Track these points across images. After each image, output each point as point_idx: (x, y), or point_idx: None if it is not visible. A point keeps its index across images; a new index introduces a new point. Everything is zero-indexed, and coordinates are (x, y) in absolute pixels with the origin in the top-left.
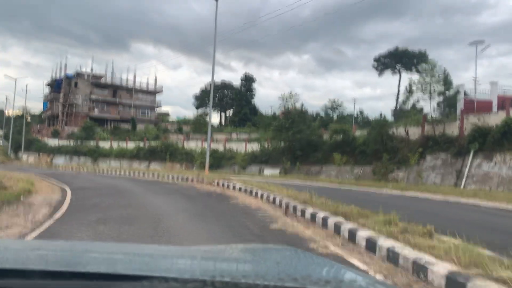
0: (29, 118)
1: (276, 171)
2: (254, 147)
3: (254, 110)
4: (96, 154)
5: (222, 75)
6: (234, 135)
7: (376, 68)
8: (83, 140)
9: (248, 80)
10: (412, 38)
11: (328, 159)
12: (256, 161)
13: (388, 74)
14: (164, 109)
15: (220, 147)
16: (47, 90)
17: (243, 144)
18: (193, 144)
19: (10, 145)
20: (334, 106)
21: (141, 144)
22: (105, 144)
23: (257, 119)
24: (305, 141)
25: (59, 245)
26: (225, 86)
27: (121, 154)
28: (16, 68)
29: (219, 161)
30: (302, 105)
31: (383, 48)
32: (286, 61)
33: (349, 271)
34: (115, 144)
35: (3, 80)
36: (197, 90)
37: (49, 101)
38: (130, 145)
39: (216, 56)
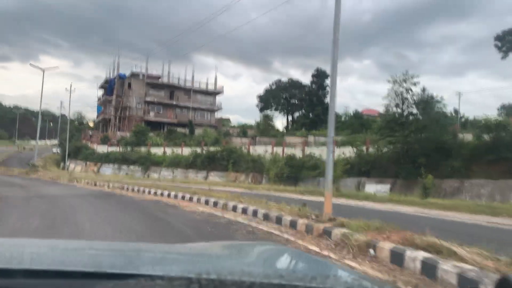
0: (90, 124)
1: (384, 187)
2: (342, 153)
3: (328, 110)
4: (148, 162)
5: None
6: (311, 138)
7: (500, 49)
8: (134, 147)
9: (320, 76)
10: (480, 40)
11: (470, 169)
12: (352, 173)
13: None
14: (223, 116)
15: (296, 153)
16: (101, 93)
17: (322, 150)
18: (260, 150)
19: (63, 153)
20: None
21: (198, 150)
22: (158, 151)
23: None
24: (432, 142)
25: (43, 244)
26: (293, 84)
27: (175, 162)
28: (87, 81)
29: (298, 171)
30: (424, 90)
31: (449, 52)
32: (346, 67)
33: (335, 267)
34: (168, 151)
35: (79, 93)
36: (254, 99)
37: (102, 105)
38: (186, 151)
39: (274, 64)
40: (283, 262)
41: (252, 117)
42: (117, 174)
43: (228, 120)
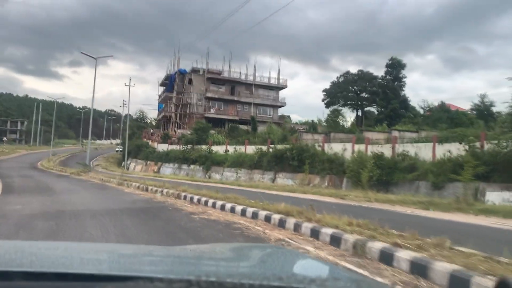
0: (150, 121)
1: None
2: (448, 151)
3: (405, 104)
4: (209, 162)
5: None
6: (395, 133)
7: None
8: (194, 144)
9: (395, 66)
10: None
11: None
12: None
13: None
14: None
15: (383, 151)
16: (162, 90)
17: (419, 147)
18: (337, 147)
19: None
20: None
21: (264, 148)
22: (219, 149)
23: (415, 114)
24: None
25: (42, 246)
26: (363, 76)
27: (239, 162)
28: (152, 84)
29: (390, 173)
30: None
31: None
32: (407, 62)
33: (334, 269)
34: (231, 149)
35: (143, 95)
36: (312, 97)
37: (163, 103)
38: (250, 149)
39: (332, 61)
40: (282, 264)
41: (310, 116)
42: (177, 174)
43: (288, 117)
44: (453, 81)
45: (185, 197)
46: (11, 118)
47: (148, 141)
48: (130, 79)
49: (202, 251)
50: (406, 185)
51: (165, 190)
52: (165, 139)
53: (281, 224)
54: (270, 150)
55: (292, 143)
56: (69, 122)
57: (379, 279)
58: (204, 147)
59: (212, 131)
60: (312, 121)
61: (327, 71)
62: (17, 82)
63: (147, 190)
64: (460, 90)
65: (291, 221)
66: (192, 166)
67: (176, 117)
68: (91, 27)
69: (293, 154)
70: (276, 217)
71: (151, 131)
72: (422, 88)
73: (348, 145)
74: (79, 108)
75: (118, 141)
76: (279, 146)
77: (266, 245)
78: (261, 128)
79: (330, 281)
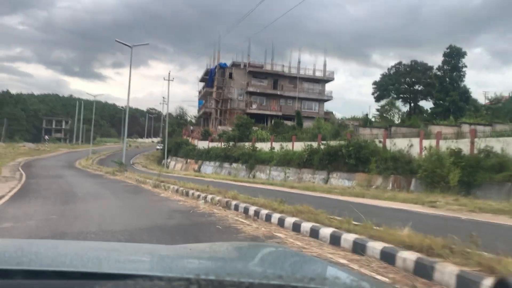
0: (190, 118)
1: None
2: None
3: (466, 96)
4: (252, 160)
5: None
6: (465, 128)
7: None
8: (236, 141)
9: (453, 55)
10: None
11: None
12: None
13: None
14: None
15: (461, 147)
16: (202, 86)
17: (508, 142)
18: (402, 143)
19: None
20: None
21: (314, 145)
22: (263, 146)
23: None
24: None
25: (42, 244)
26: (416, 67)
27: (286, 160)
28: (191, 84)
29: (472, 174)
30: None
31: None
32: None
33: (333, 268)
34: (276, 146)
35: (183, 94)
36: (353, 94)
37: (203, 99)
38: (297, 146)
39: (373, 57)
40: (282, 263)
41: (351, 113)
42: (218, 173)
43: (332, 113)
44: (502, 75)
45: (236, 207)
46: (56, 117)
47: (188, 138)
48: (169, 73)
49: (202, 250)
50: (494, 187)
51: (209, 196)
52: (206, 136)
53: (426, 274)
54: (322, 147)
55: (347, 138)
56: (112, 120)
57: None
58: (247, 144)
59: (254, 127)
60: (366, 115)
61: (368, 66)
62: (64, 84)
63: (187, 194)
64: (510, 84)
65: (445, 269)
66: (234, 165)
67: (216, 113)
68: (132, 29)
69: (349, 151)
70: (410, 257)
71: (191, 128)
72: (469, 83)
73: (415, 141)
74: (121, 107)
75: (159, 139)
76: (332, 143)
77: (265, 244)
78: (306, 124)
79: (330, 279)
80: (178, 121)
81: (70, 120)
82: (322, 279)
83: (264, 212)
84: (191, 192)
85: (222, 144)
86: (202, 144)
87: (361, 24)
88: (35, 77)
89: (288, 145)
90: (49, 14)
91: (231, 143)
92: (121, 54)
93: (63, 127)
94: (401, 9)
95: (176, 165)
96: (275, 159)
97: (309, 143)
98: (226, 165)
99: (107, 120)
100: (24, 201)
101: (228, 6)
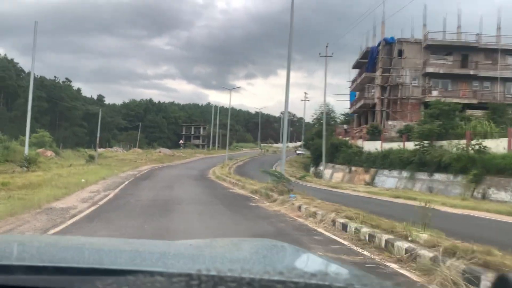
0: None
1: None
2: None
3: None
4: (478, 168)
5: None
6: None
7: None
8: (434, 140)
9: None
10: None
11: None
12: None
13: None
14: None
15: None
16: (353, 76)
17: None
18: None
19: (313, 155)
20: None
21: None
22: (492, 145)
23: None
24: None
25: (43, 240)
26: None
27: None
28: (318, 89)
29: None
30: None
31: None
32: None
33: (334, 264)
34: (501, 144)
35: (313, 101)
36: None
37: (357, 90)
38: None
39: None
40: (283, 258)
41: None
42: (409, 188)
43: None
44: None
45: None
46: (195, 124)
47: (345, 138)
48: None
49: (203, 246)
50: None
51: None
52: (373, 134)
53: None
54: None
55: None
56: (246, 125)
57: None
58: (454, 142)
59: (459, 118)
60: None
61: None
62: (203, 96)
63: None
64: None
65: None
66: (438, 176)
67: (382, 104)
68: (262, 41)
69: None
70: None
71: (344, 127)
72: None
73: None
74: (256, 110)
75: (300, 143)
76: None
77: (266, 240)
78: None
79: (331, 275)
80: (320, 121)
81: (207, 126)
82: (323, 275)
83: None
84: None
85: (404, 144)
86: (370, 146)
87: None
88: (179, 91)
89: None
90: (189, 34)
91: (425, 143)
92: (252, 65)
93: (201, 133)
94: None
95: (334, 174)
96: None
97: None
98: (421, 176)
99: (242, 125)
100: None
101: (358, 8)
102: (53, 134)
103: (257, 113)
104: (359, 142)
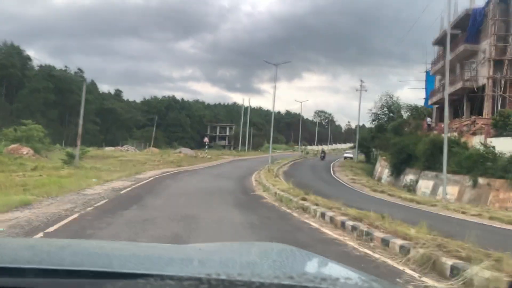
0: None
1: None
2: None
3: None
4: None
5: None
6: None
7: None
8: None
9: None
10: None
11: None
12: None
13: None
14: None
15: None
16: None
17: None
18: None
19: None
20: None
21: None
22: None
23: None
24: None
25: (53, 243)
26: None
27: None
28: (344, 93)
29: None
30: None
31: None
32: None
33: (344, 269)
34: None
35: (336, 105)
36: None
37: (439, 74)
38: None
39: None
40: (293, 263)
41: None
42: None
43: None
44: None
45: None
46: (221, 124)
47: (455, 136)
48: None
49: (212, 250)
50: None
51: None
52: (504, 126)
53: None
54: None
55: None
56: (277, 126)
57: None
58: None
59: None
60: None
61: None
62: (228, 99)
63: None
64: None
65: None
66: None
67: (494, 85)
68: (287, 43)
69: None
70: None
71: (427, 119)
72: None
73: None
74: (283, 114)
75: (350, 145)
76: None
77: (275, 244)
78: None
79: (341, 280)
80: (381, 121)
81: (234, 125)
82: (333, 280)
83: None
84: None
85: None
86: (504, 144)
87: None
88: (203, 93)
89: None
90: (214, 37)
91: None
92: (278, 68)
93: (227, 133)
94: None
95: (439, 188)
96: None
97: None
98: None
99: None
100: None
101: (386, 11)
102: (61, 131)
103: (288, 113)
104: (475, 140)
